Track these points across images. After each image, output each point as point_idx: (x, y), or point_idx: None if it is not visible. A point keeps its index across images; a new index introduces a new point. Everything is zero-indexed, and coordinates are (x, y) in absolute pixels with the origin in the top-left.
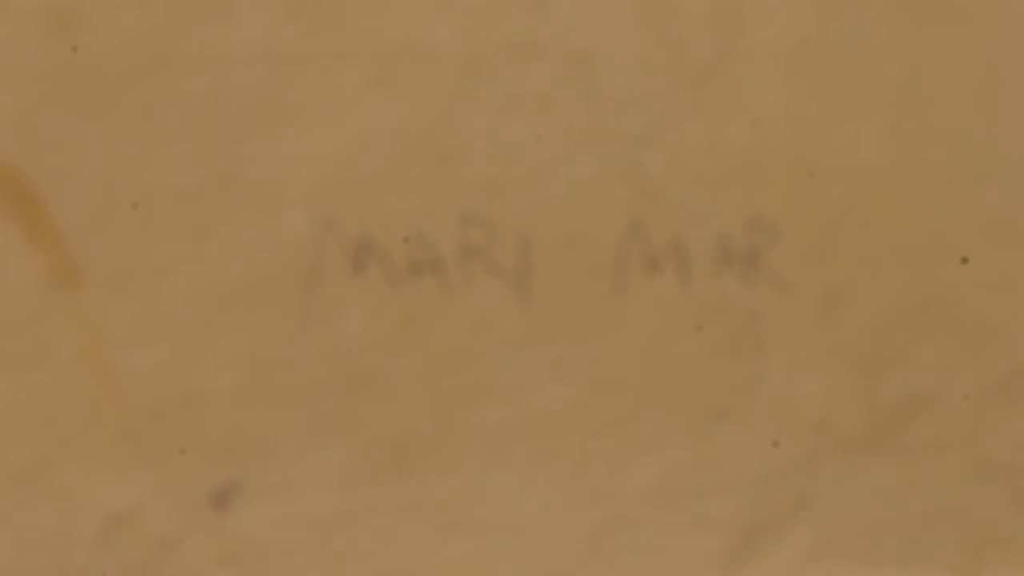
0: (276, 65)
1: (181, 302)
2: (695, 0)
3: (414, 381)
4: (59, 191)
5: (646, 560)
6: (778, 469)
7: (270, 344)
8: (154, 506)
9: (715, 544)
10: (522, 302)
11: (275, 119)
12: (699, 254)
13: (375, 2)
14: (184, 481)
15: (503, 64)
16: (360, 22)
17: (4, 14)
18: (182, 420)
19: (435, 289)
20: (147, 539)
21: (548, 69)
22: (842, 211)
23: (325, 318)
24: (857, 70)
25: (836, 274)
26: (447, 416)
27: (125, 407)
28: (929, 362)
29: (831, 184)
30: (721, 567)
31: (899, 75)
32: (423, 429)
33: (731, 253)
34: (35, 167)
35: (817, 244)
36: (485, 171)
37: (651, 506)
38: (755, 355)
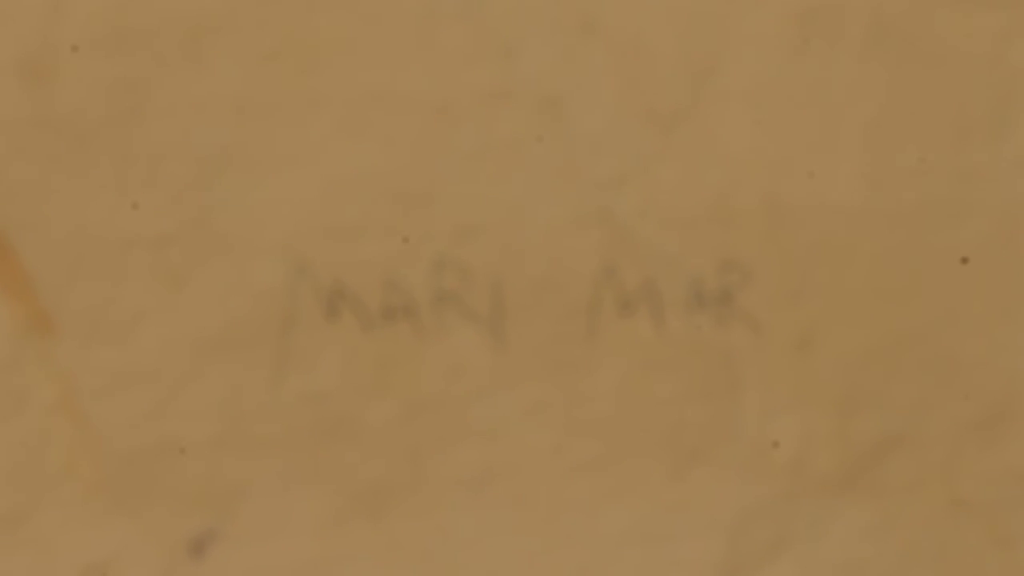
0: (249, 112)
1: (156, 350)
2: (665, 44)
3: (389, 426)
4: (32, 240)
5: None
6: (754, 509)
7: (245, 391)
8: (131, 555)
9: None
10: (496, 345)
11: (248, 166)
12: (672, 296)
13: (348, 49)
14: (161, 529)
15: (475, 110)
16: (333, 69)
17: None
18: (158, 469)
19: (409, 334)
20: None
21: (520, 114)
22: (814, 251)
23: (300, 365)
24: (828, 112)
25: (809, 314)
26: (422, 460)
27: (101, 456)
28: (903, 401)
29: (803, 225)
30: None
31: (870, 116)
32: (398, 474)
33: (704, 295)
34: (7, 216)
35: (789, 285)
36: (458, 216)
37: (627, 548)
38: (729, 396)
